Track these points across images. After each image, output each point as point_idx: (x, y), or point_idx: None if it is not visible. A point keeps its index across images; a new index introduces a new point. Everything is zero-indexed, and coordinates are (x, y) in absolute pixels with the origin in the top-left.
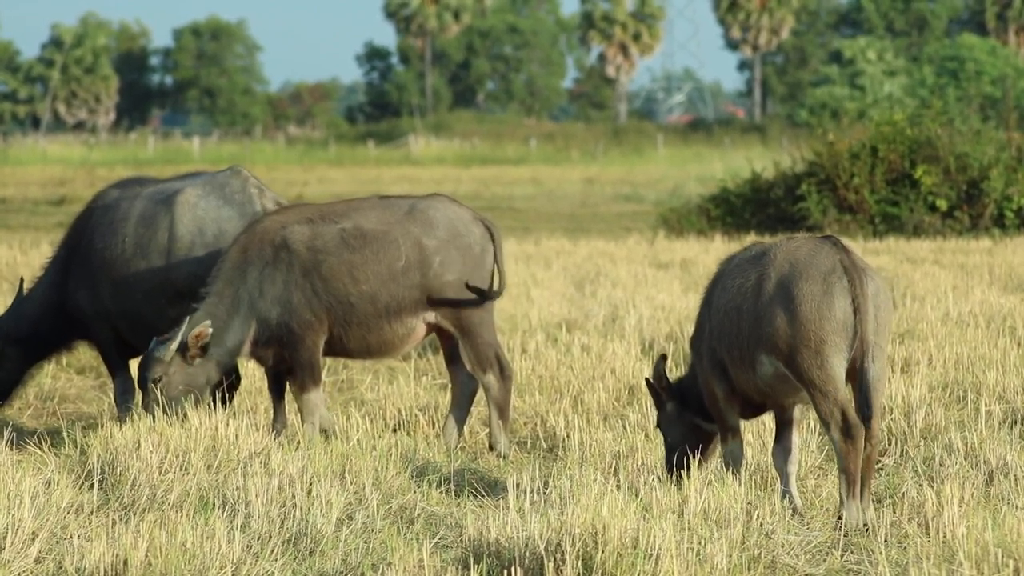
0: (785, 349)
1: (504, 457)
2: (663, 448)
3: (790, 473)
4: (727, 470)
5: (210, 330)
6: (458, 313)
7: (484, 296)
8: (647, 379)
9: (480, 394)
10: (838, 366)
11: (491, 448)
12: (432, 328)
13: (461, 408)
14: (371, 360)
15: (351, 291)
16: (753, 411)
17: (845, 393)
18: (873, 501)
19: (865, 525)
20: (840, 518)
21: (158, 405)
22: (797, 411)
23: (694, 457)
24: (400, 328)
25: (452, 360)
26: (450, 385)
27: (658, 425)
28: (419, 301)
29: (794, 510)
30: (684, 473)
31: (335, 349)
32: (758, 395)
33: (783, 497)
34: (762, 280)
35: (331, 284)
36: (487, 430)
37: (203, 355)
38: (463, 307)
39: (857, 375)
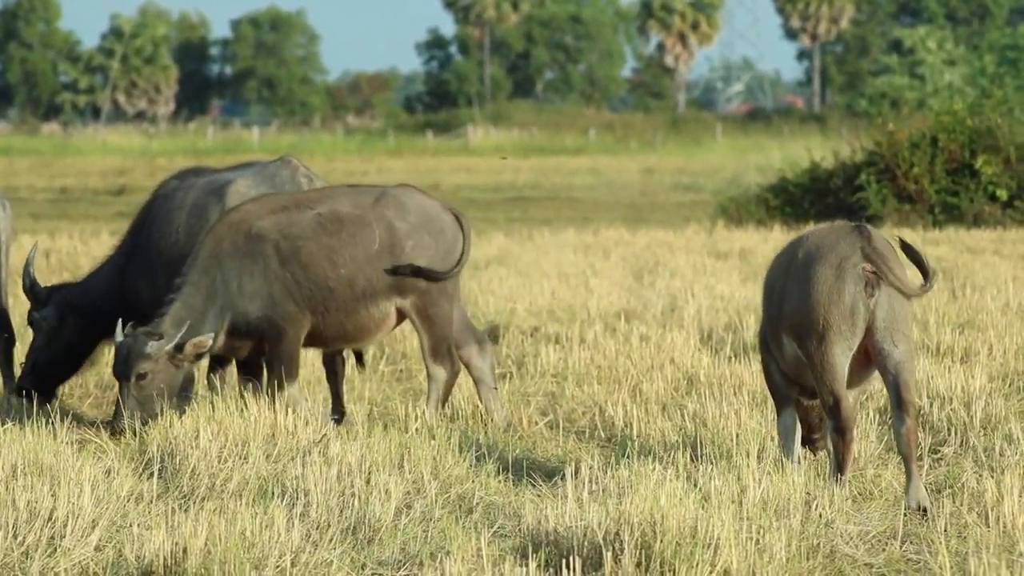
0: (797, 330)
1: (430, 424)
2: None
3: (791, 451)
4: (778, 445)
5: (210, 341)
6: (424, 300)
7: (437, 277)
8: None
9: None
10: (840, 354)
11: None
12: (403, 315)
13: (487, 386)
14: (346, 347)
15: (330, 275)
16: (802, 390)
17: (843, 385)
18: (932, 491)
19: (923, 510)
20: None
21: (137, 402)
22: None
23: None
24: (376, 312)
25: (459, 346)
26: (468, 370)
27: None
28: (392, 285)
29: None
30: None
31: (312, 338)
32: (791, 374)
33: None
34: (790, 263)
35: (310, 270)
36: (546, 419)
37: (196, 361)
38: (431, 295)
39: (881, 360)
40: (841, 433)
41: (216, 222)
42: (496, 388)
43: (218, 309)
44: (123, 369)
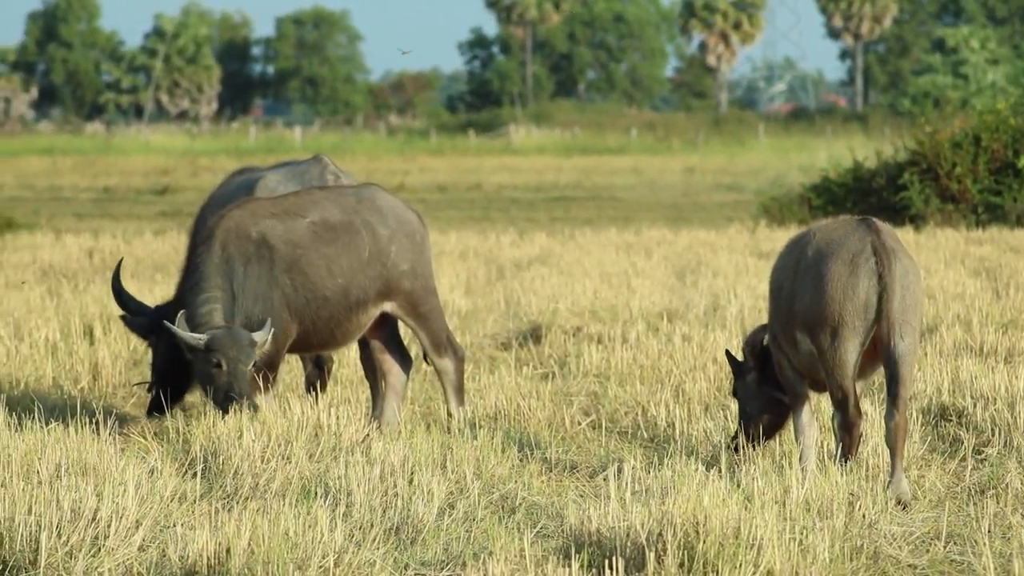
0: (811, 327)
1: (459, 427)
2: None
3: (807, 446)
4: (795, 439)
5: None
6: (413, 300)
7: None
8: (727, 351)
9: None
10: (852, 351)
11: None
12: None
13: (399, 396)
14: (328, 352)
15: (327, 284)
16: (818, 386)
17: (852, 382)
18: (976, 492)
19: (898, 500)
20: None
21: (249, 387)
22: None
23: (768, 429)
24: (364, 318)
25: (388, 349)
26: (385, 376)
27: (734, 393)
28: (380, 291)
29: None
30: (753, 444)
31: (299, 345)
32: (804, 370)
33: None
34: (799, 260)
35: (310, 279)
36: (588, 419)
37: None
38: (417, 294)
39: (886, 351)
40: (848, 428)
41: (210, 227)
42: (400, 407)
43: (235, 312)
44: (248, 356)
